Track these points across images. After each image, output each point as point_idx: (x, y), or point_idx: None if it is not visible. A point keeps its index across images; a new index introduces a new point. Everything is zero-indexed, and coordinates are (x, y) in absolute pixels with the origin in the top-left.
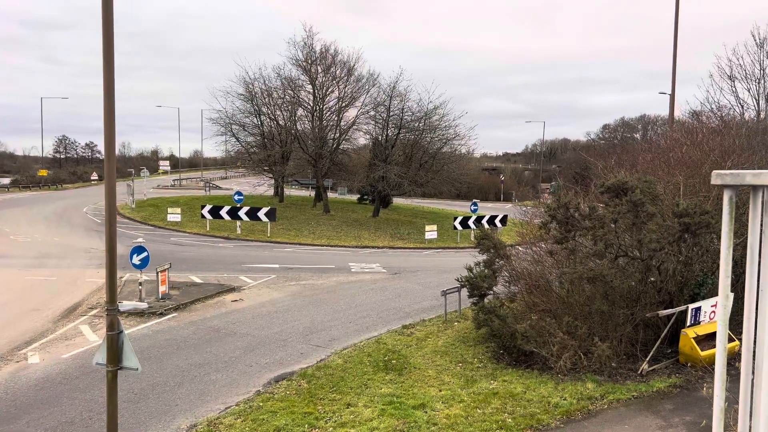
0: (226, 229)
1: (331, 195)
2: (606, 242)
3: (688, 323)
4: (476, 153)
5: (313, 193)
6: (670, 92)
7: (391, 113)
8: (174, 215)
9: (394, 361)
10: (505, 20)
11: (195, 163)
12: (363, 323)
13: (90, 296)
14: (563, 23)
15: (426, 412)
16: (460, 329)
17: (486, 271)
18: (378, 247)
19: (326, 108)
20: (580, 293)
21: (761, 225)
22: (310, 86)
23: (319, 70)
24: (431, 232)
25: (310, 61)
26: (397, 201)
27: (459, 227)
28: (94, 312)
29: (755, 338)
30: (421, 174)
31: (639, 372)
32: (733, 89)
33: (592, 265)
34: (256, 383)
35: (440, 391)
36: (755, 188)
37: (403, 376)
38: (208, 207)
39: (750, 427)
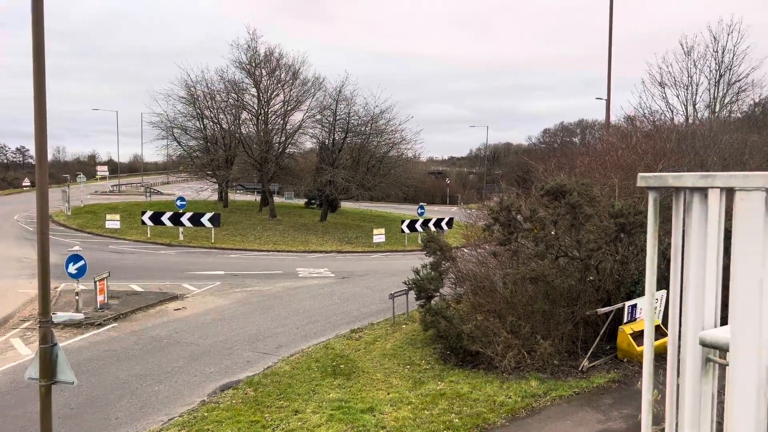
0: (168, 236)
1: (277, 199)
2: (547, 243)
3: (625, 320)
4: (423, 157)
5: (258, 198)
6: (605, 98)
7: (338, 117)
8: (113, 222)
9: (342, 366)
10: (448, 27)
11: (135, 168)
12: (311, 329)
13: (22, 308)
14: (504, 31)
15: (374, 416)
16: (408, 332)
17: (433, 273)
18: (326, 252)
19: (271, 111)
20: (523, 293)
21: (683, 225)
22: (254, 89)
23: (264, 73)
24: (379, 236)
25: (254, 64)
26: (345, 205)
27: (407, 230)
28: (26, 324)
29: (679, 333)
30: (369, 178)
31: (580, 368)
32: (664, 95)
33: (534, 266)
34: (201, 393)
35: (388, 394)
36: (677, 190)
37: (351, 380)
38: (149, 213)
39: (677, 420)
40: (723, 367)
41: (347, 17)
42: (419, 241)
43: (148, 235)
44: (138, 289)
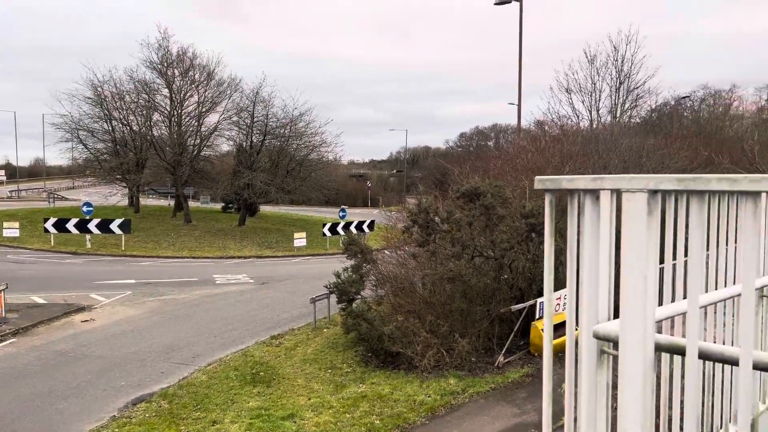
0: (74, 244)
1: (192, 204)
2: (463, 244)
3: (537, 316)
4: (343, 160)
5: (172, 203)
6: (517, 103)
7: (256, 119)
8: (11, 230)
9: (262, 373)
10: (368, 31)
11: (36, 172)
12: (229, 337)
13: None
14: (421, 37)
15: (295, 422)
16: (330, 335)
17: (354, 276)
18: (245, 257)
19: (185, 113)
20: (441, 293)
21: (578, 225)
22: (166, 90)
23: (177, 74)
24: (300, 240)
25: (166, 64)
26: (265, 209)
27: (328, 234)
28: None
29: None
30: (289, 181)
31: (496, 365)
32: (570, 101)
33: (452, 266)
34: (111, 408)
35: (309, 399)
36: (571, 192)
37: (271, 387)
38: (53, 220)
39: (575, 409)
40: (617, 358)
41: (263, 17)
42: (341, 244)
43: (52, 244)
44: (40, 301)
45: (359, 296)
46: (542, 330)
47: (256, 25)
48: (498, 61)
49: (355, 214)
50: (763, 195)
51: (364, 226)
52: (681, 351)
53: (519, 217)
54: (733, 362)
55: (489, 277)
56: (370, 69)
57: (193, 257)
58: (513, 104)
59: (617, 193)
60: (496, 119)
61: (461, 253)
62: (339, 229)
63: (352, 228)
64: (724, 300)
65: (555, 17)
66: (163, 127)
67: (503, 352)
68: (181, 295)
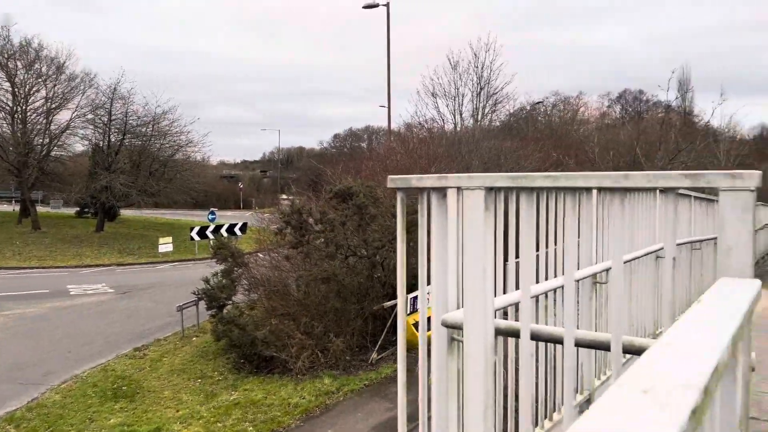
0: None
1: (41, 209)
2: (336, 244)
3: (408, 311)
4: (213, 160)
5: (17, 208)
6: (387, 106)
7: (114, 117)
8: None
9: (124, 388)
10: (236, 28)
11: None
12: (86, 351)
13: None
14: (291, 36)
15: None
16: (199, 344)
17: (224, 281)
18: (104, 265)
19: (31, 109)
20: (316, 294)
21: (428, 222)
22: (8, 84)
23: (20, 66)
24: (166, 245)
25: (6, 56)
26: (126, 213)
27: (197, 238)
28: None
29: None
30: (152, 183)
31: (369, 362)
32: (436, 105)
33: (326, 266)
34: None
35: (178, 411)
36: (421, 190)
37: (135, 402)
38: None
39: (429, 395)
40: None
41: (119, 9)
42: (210, 249)
43: None
44: None
45: (231, 301)
46: (413, 325)
47: (112, 17)
48: (369, 64)
49: (226, 217)
50: (594, 192)
51: (236, 229)
52: (517, 333)
53: (390, 216)
54: (560, 341)
55: (362, 276)
56: (240, 68)
57: (44, 267)
58: (384, 107)
59: (462, 191)
60: (369, 121)
61: (335, 253)
62: (209, 232)
63: (223, 231)
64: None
65: (422, 23)
66: (5, 125)
67: (377, 348)
68: (29, 309)
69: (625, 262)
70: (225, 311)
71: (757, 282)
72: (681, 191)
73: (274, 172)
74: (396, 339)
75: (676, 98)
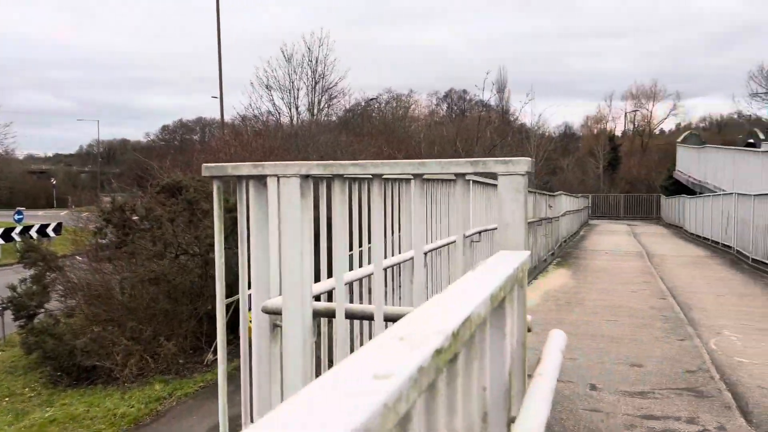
0: None
1: None
2: (165, 242)
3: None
4: (18, 153)
5: None
6: (219, 96)
7: None
8: None
9: None
10: (43, 7)
11: None
12: None
13: None
14: (109, 20)
15: None
16: (6, 359)
17: (35, 287)
18: None
19: None
20: (143, 296)
21: (247, 208)
22: None
23: None
24: None
25: None
26: None
27: (1, 241)
28: None
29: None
30: None
31: (205, 363)
32: (271, 97)
33: (154, 266)
34: None
35: None
36: (239, 178)
37: None
38: None
39: (250, 381)
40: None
41: None
42: (17, 252)
43: None
44: None
45: (43, 310)
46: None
47: None
48: (201, 52)
49: (37, 217)
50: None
51: (49, 230)
52: (334, 314)
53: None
54: (371, 317)
55: (195, 275)
56: (48, 50)
57: None
58: (216, 98)
59: (282, 179)
60: (201, 112)
61: (164, 251)
62: (15, 234)
63: (33, 232)
64: (395, 265)
65: (255, 13)
66: None
67: (212, 349)
68: None
69: (439, 248)
70: (36, 321)
71: (527, 252)
72: (489, 182)
73: (93, 167)
74: (234, 337)
75: (490, 97)
